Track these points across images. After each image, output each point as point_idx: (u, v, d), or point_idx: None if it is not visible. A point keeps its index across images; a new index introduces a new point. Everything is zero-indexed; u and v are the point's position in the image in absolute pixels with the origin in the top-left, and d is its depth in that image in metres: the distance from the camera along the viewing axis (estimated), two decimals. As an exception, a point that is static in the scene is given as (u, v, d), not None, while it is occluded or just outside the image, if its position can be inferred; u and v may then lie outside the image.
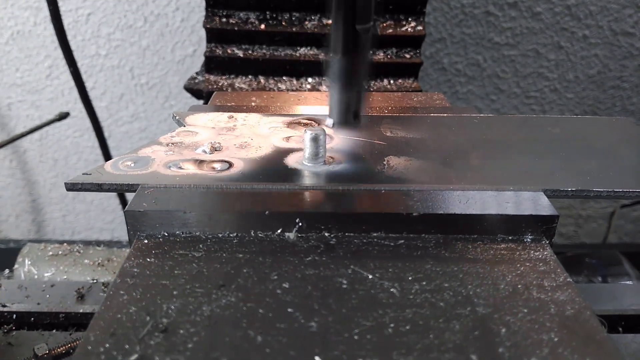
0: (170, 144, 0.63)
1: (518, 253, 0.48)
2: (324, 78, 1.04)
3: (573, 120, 0.74)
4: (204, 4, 1.04)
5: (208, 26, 1.02)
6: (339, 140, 0.66)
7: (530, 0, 1.51)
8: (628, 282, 1.32)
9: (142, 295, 0.42)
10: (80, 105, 1.45)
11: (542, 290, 0.43)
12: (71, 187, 0.54)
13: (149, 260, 0.46)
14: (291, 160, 0.60)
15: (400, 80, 1.05)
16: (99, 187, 0.54)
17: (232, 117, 0.72)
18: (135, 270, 0.45)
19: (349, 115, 0.61)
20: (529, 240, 0.50)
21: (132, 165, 0.58)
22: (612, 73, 1.63)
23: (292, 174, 0.57)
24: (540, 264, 0.47)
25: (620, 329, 0.67)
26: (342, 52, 0.57)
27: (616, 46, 1.58)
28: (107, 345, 0.36)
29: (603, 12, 1.53)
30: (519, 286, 0.44)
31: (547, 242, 0.50)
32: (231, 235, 0.50)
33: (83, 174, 0.55)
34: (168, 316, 0.39)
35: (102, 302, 0.41)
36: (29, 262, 0.89)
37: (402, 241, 0.49)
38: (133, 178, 0.55)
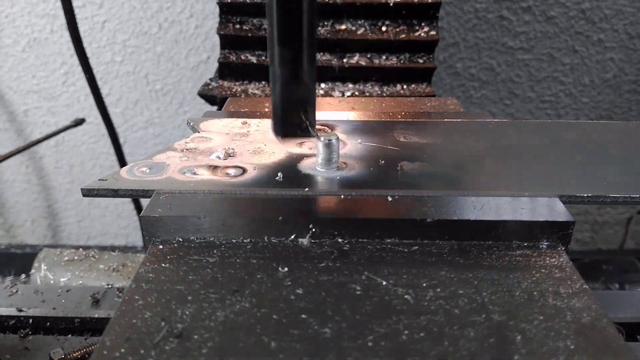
0: (184, 150, 0.64)
1: (533, 259, 0.48)
2: (336, 83, 1.04)
3: (588, 125, 0.74)
4: (217, 10, 1.05)
5: (222, 32, 1.03)
6: (352, 145, 0.66)
7: (544, 4, 1.50)
8: (646, 289, 1.31)
9: (157, 300, 0.42)
10: (95, 112, 1.46)
11: (558, 297, 0.43)
12: (87, 192, 0.54)
13: (163, 265, 0.46)
14: (304, 166, 0.60)
15: (413, 85, 1.05)
16: (115, 193, 0.55)
17: (246, 123, 0.73)
18: (151, 275, 0.45)
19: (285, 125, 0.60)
20: (544, 246, 0.50)
21: (147, 171, 0.58)
22: (627, 77, 1.61)
23: (306, 180, 0.57)
24: (556, 271, 0.46)
25: (639, 337, 0.66)
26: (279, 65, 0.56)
27: (632, 50, 1.57)
28: (123, 350, 0.37)
29: (618, 15, 1.51)
30: (535, 293, 0.43)
31: (563, 248, 0.49)
32: (245, 240, 0.50)
33: (99, 179, 0.56)
34: (183, 321, 0.40)
35: (118, 307, 0.41)
36: (45, 267, 0.90)
37: (416, 247, 0.49)
38: (148, 184, 0.56)
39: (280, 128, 0.59)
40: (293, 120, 0.58)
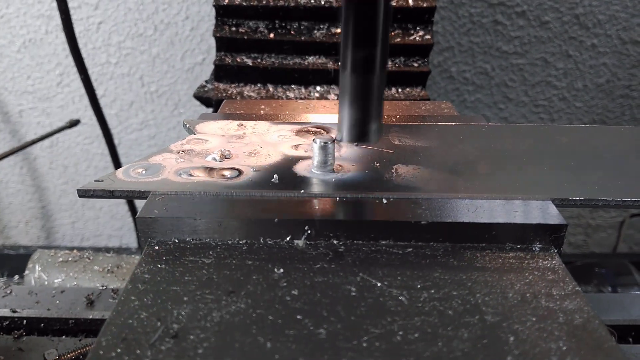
0: (180, 152, 0.64)
1: (526, 262, 0.48)
2: (332, 86, 1.05)
3: (582, 129, 0.74)
4: (213, 12, 1.05)
5: (218, 35, 1.03)
6: (347, 148, 0.66)
7: (538, 10, 1.51)
8: (638, 292, 1.31)
9: (153, 301, 0.42)
10: (90, 113, 1.46)
11: (550, 299, 0.43)
12: (83, 193, 0.55)
13: (159, 266, 0.46)
14: (300, 168, 0.61)
15: (408, 89, 1.05)
16: (111, 194, 0.55)
17: (242, 125, 0.73)
18: (146, 276, 0.45)
19: (356, 132, 0.61)
20: (537, 249, 0.50)
21: (144, 172, 0.58)
22: (621, 82, 1.63)
23: (301, 182, 0.57)
24: (549, 273, 0.47)
25: (630, 339, 0.67)
26: (352, 70, 0.56)
27: (625, 55, 1.58)
28: (119, 350, 0.37)
29: (611, 21, 1.53)
30: (528, 295, 0.44)
31: (556, 251, 0.50)
32: (241, 242, 0.50)
33: (95, 180, 0.56)
34: (178, 322, 0.40)
35: (114, 307, 0.41)
36: (40, 268, 0.90)
37: (411, 249, 0.50)
38: (144, 185, 0.56)
39: (356, 134, 0.59)
40: (364, 127, 0.58)
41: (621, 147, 0.68)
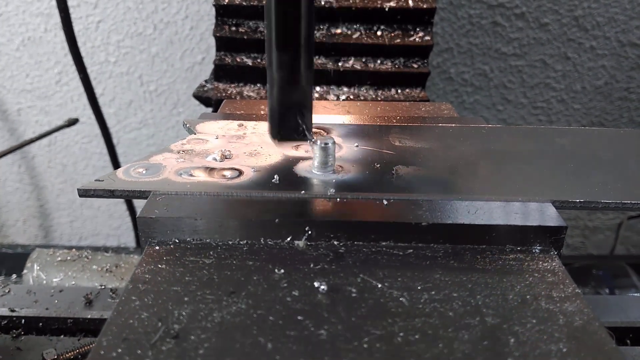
0: (181, 152, 0.64)
1: (526, 263, 0.48)
2: (331, 87, 1.05)
3: (580, 131, 0.74)
4: (213, 12, 1.05)
5: (218, 35, 1.03)
6: (347, 149, 0.66)
7: (537, 11, 1.52)
8: (636, 294, 1.32)
9: (153, 301, 0.42)
10: (89, 112, 1.46)
11: (550, 301, 0.43)
12: (84, 193, 0.54)
13: (160, 266, 0.46)
14: (301, 169, 0.61)
15: (407, 90, 1.05)
16: (111, 194, 0.55)
17: (242, 125, 0.73)
18: (147, 276, 0.45)
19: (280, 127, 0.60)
20: (537, 250, 0.50)
21: (144, 172, 0.58)
22: (619, 84, 1.63)
23: (302, 183, 0.57)
24: (549, 275, 0.47)
25: (628, 341, 0.67)
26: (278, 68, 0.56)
27: (623, 57, 1.58)
28: (120, 350, 0.37)
29: (610, 23, 1.53)
30: (528, 297, 0.44)
31: (556, 252, 0.50)
32: (241, 242, 0.50)
33: (95, 180, 0.56)
34: (179, 322, 0.40)
35: (115, 307, 0.41)
36: (38, 267, 0.90)
37: (411, 251, 0.50)
38: (145, 185, 0.56)
39: (277, 131, 0.59)
40: (290, 123, 0.58)
41: (620, 149, 0.68)
